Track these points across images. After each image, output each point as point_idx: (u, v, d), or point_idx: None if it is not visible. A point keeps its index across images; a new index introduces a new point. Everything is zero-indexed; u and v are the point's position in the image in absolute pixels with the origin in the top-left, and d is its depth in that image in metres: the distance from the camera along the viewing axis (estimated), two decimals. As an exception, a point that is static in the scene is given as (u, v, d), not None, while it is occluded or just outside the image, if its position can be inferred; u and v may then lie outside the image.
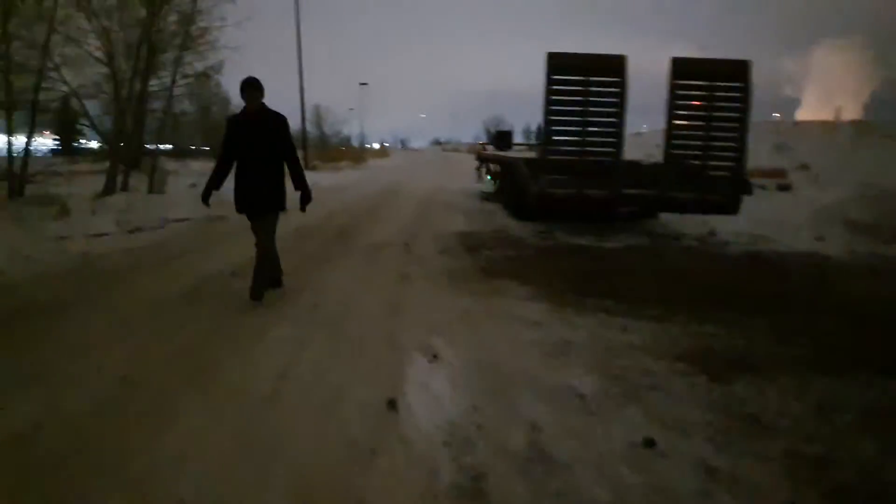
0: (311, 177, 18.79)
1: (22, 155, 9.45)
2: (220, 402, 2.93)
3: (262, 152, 4.50)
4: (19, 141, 9.71)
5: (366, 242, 7.50)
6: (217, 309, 4.48)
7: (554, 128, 8.01)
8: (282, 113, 4.59)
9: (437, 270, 5.91)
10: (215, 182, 4.67)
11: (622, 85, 7.75)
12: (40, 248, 6.00)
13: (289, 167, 4.64)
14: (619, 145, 7.92)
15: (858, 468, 2.41)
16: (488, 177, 11.73)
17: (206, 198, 4.70)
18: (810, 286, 5.44)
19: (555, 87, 7.78)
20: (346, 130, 45.36)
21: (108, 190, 10.53)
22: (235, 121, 4.65)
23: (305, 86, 25.07)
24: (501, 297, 4.95)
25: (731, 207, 7.96)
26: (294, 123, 29.79)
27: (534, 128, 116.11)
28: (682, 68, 7.71)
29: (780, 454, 2.49)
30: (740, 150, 7.77)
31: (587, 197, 7.91)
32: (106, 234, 7.44)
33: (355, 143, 48.95)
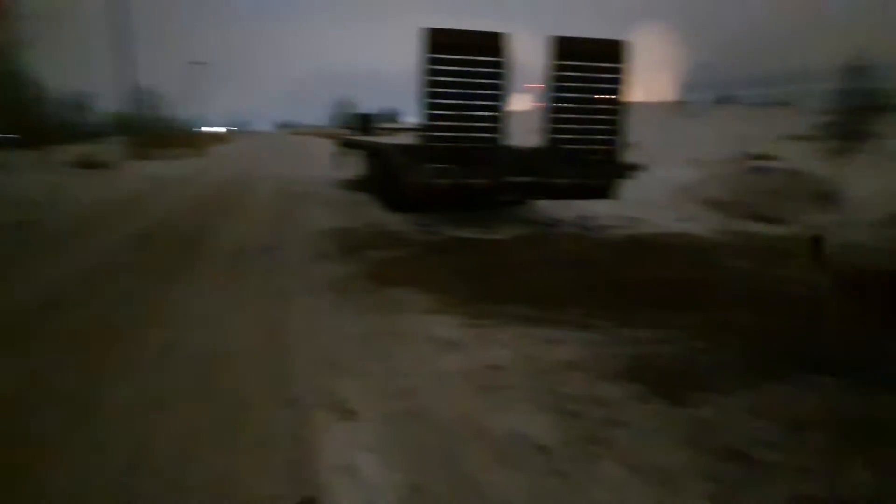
0: (146, 168, 15.93)
1: None
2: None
3: None
4: None
5: (224, 247, 6.28)
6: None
7: (433, 111, 7.30)
8: None
9: (317, 281, 5.02)
10: None
11: (503, 65, 7.23)
12: None
13: None
14: (500, 130, 7.47)
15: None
16: None
17: None
18: (707, 269, 5.41)
19: (433, 67, 7.04)
20: (180, 114, 39.49)
21: None
22: None
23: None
24: (404, 311, 4.26)
25: (609, 192, 7.91)
26: (115, 105, 25.64)
27: (393, 110, 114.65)
28: (562, 48, 7.37)
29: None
30: (617, 132, 7.67)
31: (470, 186, 7.38)
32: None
33: (196, 128, 43.46)
